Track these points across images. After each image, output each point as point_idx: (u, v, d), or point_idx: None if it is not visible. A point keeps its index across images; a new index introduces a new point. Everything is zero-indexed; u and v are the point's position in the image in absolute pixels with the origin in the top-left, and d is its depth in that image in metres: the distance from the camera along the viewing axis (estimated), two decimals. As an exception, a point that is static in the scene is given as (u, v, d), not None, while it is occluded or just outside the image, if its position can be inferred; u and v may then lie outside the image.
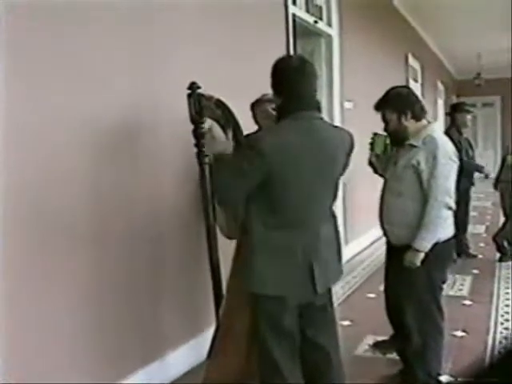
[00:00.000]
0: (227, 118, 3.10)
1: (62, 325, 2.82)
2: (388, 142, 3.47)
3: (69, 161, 2.84)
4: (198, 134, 3.18)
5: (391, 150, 3.48)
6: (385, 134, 3.47)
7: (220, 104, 3.10)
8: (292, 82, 2.52)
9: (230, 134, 3.03)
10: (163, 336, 3.54)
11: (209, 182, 3.21)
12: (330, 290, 2.79)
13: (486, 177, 6.89)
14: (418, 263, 3.14)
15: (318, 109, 2.61)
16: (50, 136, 2.73)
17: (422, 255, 3.14)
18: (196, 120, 3.15)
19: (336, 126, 2.83)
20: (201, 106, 3.11)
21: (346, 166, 2.72)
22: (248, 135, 3.07)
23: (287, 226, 2.51)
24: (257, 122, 3.44)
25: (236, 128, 3.10)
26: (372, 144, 3.55)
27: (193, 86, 3.12)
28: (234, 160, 2.67)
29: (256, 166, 2.40)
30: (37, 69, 2.65)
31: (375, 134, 3.54)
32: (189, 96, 3.12)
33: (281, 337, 2.60)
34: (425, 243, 3.13)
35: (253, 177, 2.43)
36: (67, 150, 2.82)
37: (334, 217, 2.75)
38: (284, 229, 2.50)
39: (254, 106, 3.45)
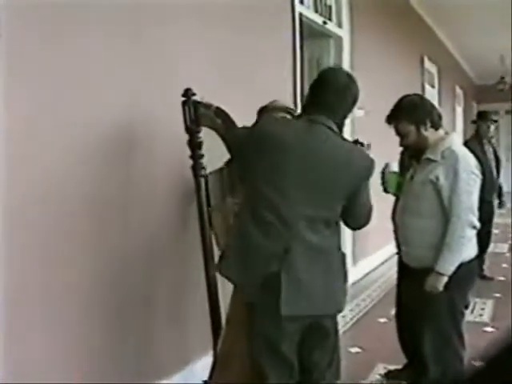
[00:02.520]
0: (228, 128, 3.12)
1: (55, 345, 2.86)
2: (400, 179, 3.51)
3: (61, 173, 2.86)
4: (194, 145, 3.19)
5: (409, 166, 3.50)
6: (396, 170, 3.53)
7: (220, 112, 3.11)
8: (317, 90, 2.69)
9: None
10: (157, 362, 3.55)
11: (204, 194, 3.23)
12: (335, 316, 2.81)
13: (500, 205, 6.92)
14: (441, 288, 3.14)
15: (339, 124, 2.68)
16: (41, 148, 2.76)
17: (445, 279, 3.13)
18: (191, 129, 3.15)
19: (352, 145, 2.85)
20: (197, 114, 3.12)
21: (351, 190, 2.66)
22: None
23: (265, 222, 2.54)
24: None
25: None
26: (383, 178, 3.60)
27: (188, 93, 3.11)
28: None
29: (250, 147, 2.61)
30: (29, 72, 2.69)
31: (387, 165, 3.58)
32: (183, 103, 3.13)
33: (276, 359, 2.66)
34: (448, 266, 3.13)
35: (237, 158, 2.74)
36: (58, 158, 2.85)
37: (337, 234, 2.72)
38: (264, 225, 2.54)
39: (261, 112, 3.44)
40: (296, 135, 2.57)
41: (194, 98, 3.14)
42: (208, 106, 3.13)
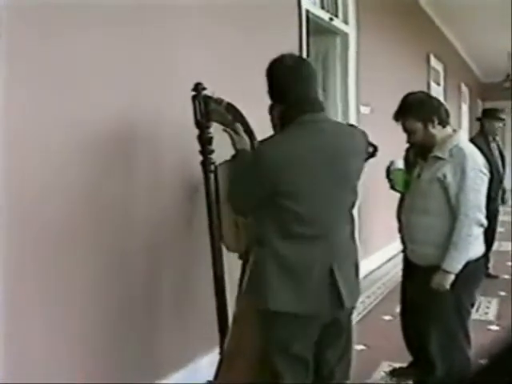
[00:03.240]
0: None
1: (56, 343, 2.86)
2: (407, 177, 3.50)
3: (62, 170, 2.86)
4: (204, 140, 3.16)
5: (415, 163, 3.49)
6: (401, 167, 3.52)
7: (231, 108, 3.07)
8: (290, 85, 2.55)
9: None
10: (161, 359, 3.55)
11: (214, 191, 3.21)
12: (351, 311, 2.83)
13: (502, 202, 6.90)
14: (448, 286, 3.13)
15: (323, 110, 2.63)
16: (42, 143, 2.75)
17: (452, 277, 3.13)
18: (202, 124, 3.12)
19: (347, 124, 2.82)
20: (207, 109, 3.10)
21: (361, 168, 2.69)
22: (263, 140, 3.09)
23: (304, 239, 2.52)
24: (274, 125, 3.39)
25: (250, 135, 3.06)
26: (389, 175, 3.59)
27: (198, 87, 3.09)
28: (244, 169, 2.68)
29: (259, 179, 2.49)
30: (30, 72, 2.69)
31: (392, 162, 3.57)
32: (193, 98, 3.10)
33: (292, 360, 2.62)
34: (455, 264, 3.12)
35: (257, 189, 2.51)
36: (59, 158, 2.84)
37: (352, 223, 2.75)
38: (302, 240, 2.52)
39: (272, 108, 3.39)
40: (316, 145, 2.51)
41: (205, 92, 3.11)
42: (219, 102, 3.09)
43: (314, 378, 2.72)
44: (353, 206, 2.70)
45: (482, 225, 3.17)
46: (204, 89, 3.10)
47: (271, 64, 2.63)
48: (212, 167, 3.19)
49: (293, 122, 2.52)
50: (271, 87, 2.62)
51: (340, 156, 2.55)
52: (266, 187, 2.47)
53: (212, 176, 3.20)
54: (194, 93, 3.10)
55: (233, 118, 3.05)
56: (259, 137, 3.17)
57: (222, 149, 3.13)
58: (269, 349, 2.66)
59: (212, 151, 3.20)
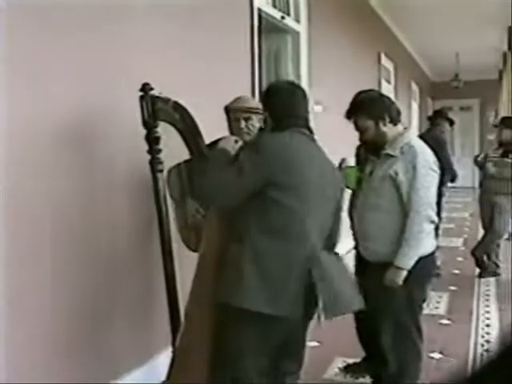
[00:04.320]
0: (186, 122, 3.12)
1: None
2: (359, 174, 3.53)
3: (16, 170, 2.81)
4: (152, 139, 3.17)
5: (366, 161, 3.52)
6: (353, 165, 3.56)
7: (178, 107, 3.12)
8: (285, 103, 2.78)
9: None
10: (117, 359, 3.51)
11: (163, 190, 3.22)
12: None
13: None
14: (401, 282, 3.16)
15: (309, 129, 2.84)
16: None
17: (404, 273, 3.16)
18: (149, 124, 3.14)
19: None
20: (154, 108, 3.11)
21: (338, 201, 2.90)
22: (213, 143, 3.10)
23: (289, 234, 2.62)
24: (230, 127, 3.39)
25: (195, 132, 3.13)
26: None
27: (145, 88, 3.11)
28: (234, 160, 2.78)
29: (258, 169, 2.58)
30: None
31: (343, 160, 3.60)
32: (141, 98, 3.11)
33: (261, 357, 2.64)
34: (407, 260, 3.16)
35: (254, 180, 2.59)
36: (11, 159, 2.79)
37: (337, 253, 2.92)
38: (285, 238, 2.61)
39: (228, 111, 3.35)
40: (310, 151, 2.75)
41: (152, 92, 3.12)
42: (166, 101, 3.13)
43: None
44: (336, 233, 2.95)
45: (432, 221, 3.22)
46: (152, 89, 3.12)
47: (267, 86, 3.07)
48: (160, 166, 3.21)
49: (287, 129, 2.72)
50: (266, 105, 2.88)
51: (327, 172, 2.79)
52: (265, 175, 2.57)
53: (160, 175, 3.21)
54: (141, 93, 3.11)
55: (180, 116, 3.09)
56: (207, 136, 3.18)
57: (170, 148, 3.15)
58: (234, 347, 2.68)
59: (160, 150, 3.21)
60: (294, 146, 2.68)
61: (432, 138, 5.88)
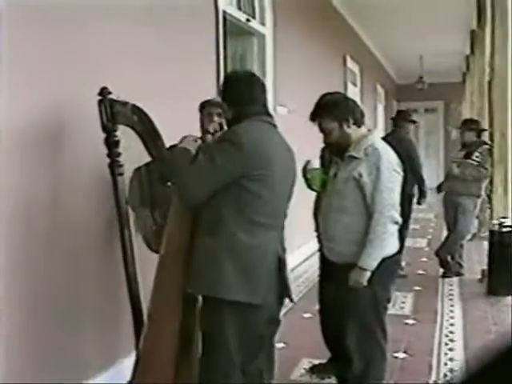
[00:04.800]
0: (145, 125, 3.15)
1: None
2: (324, 176, 3.54)
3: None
4: (111, 143, 3.17)
5: (330, 163, 3.54)
6: (317, 166, 3.59)
7: (136, 110, 3.14)
8: (244, 91, 2.82)
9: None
10: (82, 363, 3.48)
11: (123, 193, 3.23)
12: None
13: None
14: (365, 282, 3.18)
15: (269, 115, 2.92)
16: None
17: (368, 274, 3.17)
18: (108, 128, 3.14)
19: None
20: (113, 112, 3.12)
21: (293, 183, 2.97)
22: (173, 146, 3.11)
23: (262, 225, 2.71)
24: (202, 125, 3.50)
25: (155, 135, 3.16)
26: (305, 175, 3.64)
27: (103, 91, 3.11)
28: (195, 159, 2.84)
29: (234, 162, 2.64)
30: None
31: (308, 162, 3.62)
32: (100, 102, 3.12)
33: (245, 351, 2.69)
34: (371, 261, 3.17)
35: (228, 172, 2.65)
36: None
37: None
38: (259, 229, 2.70)
39: (204, 106, 3.55)
40: (276, 140, 2.85)
41: (111, 96, 3.13)
42: (124, 104, 3.14)
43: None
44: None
45: (396, 222, 3.24)
46: (110, 93, 3.12)
47: (224, 76, 3.10)
48: (120, 170, 3.21)
49: (250, 118, 2.76)
50: (224, 95, 2.89)
51: (290, 157, 2.90)
52: (241, 168, 2.63)
53: (120, 179, 3.21)
54: (99, 97, 3.11)
55: (139, 119, 3.12)
56: (171, 138, 3.17)
57: (130, 151, 3.15)
58: (213, 337, 2.73)
59: (119, 154, 3.21)
60: (265, 138, 2.75)
61: (396, 139, 5.93)
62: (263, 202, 2.69)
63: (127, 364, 3.58)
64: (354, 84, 11.93)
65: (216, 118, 3.38)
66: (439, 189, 7.27)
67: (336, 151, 3.44)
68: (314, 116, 3.38)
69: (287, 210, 2.96)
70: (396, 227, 3.28)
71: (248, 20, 6.16)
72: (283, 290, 2.82)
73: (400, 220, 3.28)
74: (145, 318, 3.24)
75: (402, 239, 3.63)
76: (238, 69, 3.09)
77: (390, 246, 3.26)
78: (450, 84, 18.18)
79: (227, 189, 2.65)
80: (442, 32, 12.04)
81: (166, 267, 3.01)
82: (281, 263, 2.80)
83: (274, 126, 2.91)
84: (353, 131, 3.30)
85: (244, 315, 2.69)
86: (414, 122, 7.06)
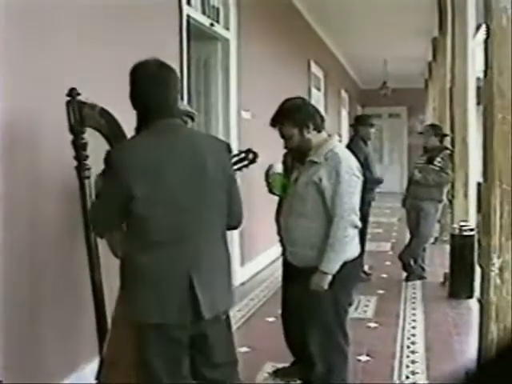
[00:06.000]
0: (112, 128, 3.13)
1: None
2: (285, 180, 3.57)
3: None
4: (79, 145, 3.15)
5: (292, 168, 3.56)
6: (280, 172, 3.60)
7: (104, 113, 3.12)
8: (149, 90, 2.54)
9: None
10: (44, 369, 3.45)
11: (89, 196, 3.19)
12: (228, 317, 2.78)
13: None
14: (326, 286, 3.20)
15: (179, 117, 2.68)
16: None
17: (329, 278, 3.20)
18: (76, 130, 3.12)
19: (207, 135, 2.87)
20: (81, 114, 3.10)
21: (229, 180, 2.68)
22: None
23: (162, 246, 2.48)
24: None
25: (122, 139, 3.12)
26: (267, 179, 3.66)
27: (72, 93, 3.09)
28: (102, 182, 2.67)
29: (116, 184, 2.43)
30: None
31: (270, 166, 3.64)
32: (68, 103, 3.09)
33: (167, 362, 2.58)
34: (332, 265, 3.19)
35: (116, 197, 2.45)
36: None
37: (224, 238, 2.70)
38: (159, 250, 2.48)
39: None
40: (171, 149, 2.51)
41: (79, 98, 3.11)
42: (93, 107, 3.13)
43: None
44: (223, 219, 2.66)
45: (356, 226, 3.28)
46: (78, 94, 3.10)
47: (133, 68, 2.60)
48: (87, 173, 3.18)
49: (149, 126, 2.51)
50: (132, 91, 2.59)
51: (197, 162, 2.54)
52: (122, 192, 2.40)
53: (87, 182, 3.19)
54: (68, 98, 3.08)
55: (106, 122, 3.08)
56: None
57: (97, 154, 3.12)
58: (143, 362, 2.61)
59: (87, 157, 3.19)
60: (151, 151, 2.46)
61: (356, 146, 6.10)
62: (155, 221, 2.45)
63: (89, 370, 3.56)
64: (318, 89, 12.01)
65: None
66: (404, 203, 7.32)
67: (297, 156, 3.47)
68: (275, 122, 3.40)
69: (224, 212, 2.66)
70: (356, 231, 3.31)
71: (212, 24, 6.17)
72: (197, 309, 2.50)
73: (359, 224, 3.31)
74: (109, 323, 3.22)
75: (362, 243, 3.67)
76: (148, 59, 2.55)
77: (351, 249, 3.29)
78: (413, 90, 18.43)
79: (124, 213, 2.47)
80: (405, 38, 12.20)
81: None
82: (192, 283, 2.49)
83: (181, 126, 2.67)
84: (313, 136, 3.33)
85: (162, 335, 2.52)
86: (371, 124, 7.08)
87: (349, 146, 5.86)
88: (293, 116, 3.34)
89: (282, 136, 3.39)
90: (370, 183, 5.73)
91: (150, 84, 2.54)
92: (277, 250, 3.58)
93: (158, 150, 2.47)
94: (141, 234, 2.47)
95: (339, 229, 3.18)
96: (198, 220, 2.55)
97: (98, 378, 3.19)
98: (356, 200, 3.27)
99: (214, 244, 2.63)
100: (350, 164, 3.29)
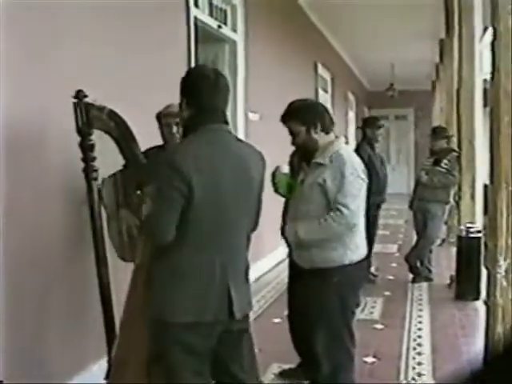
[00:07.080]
0: (121, 130, 3.11)
1: None
2: (291, 181, 3.57)
3: None
4: (86, 147, 3.15)
5: (299, 169, 3.56)
6: (286, 172, 3.61)
7: (113, 115, 3.10)
8: (206, 94, 2.57)
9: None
10: (50, 369, 3.46)
11: (97, 198, 3.21)
12: (247, 317, 2.83)
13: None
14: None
15: (226, 123, 2.67)
16: None
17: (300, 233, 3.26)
18: (83, 131, 3.12)
19: (246, 143, 2.86)
20: (89, 116, 3.10)
21: (261, 188, 2.74)
22: (149, 149, 3.10)
23: (205, 248, 2.53)
24: (162, 134, 3.42)
25: (131, 141, 3.12)
26: (274, 180, 3.66)
27: (79, 95, 3.09)
28: (155, 188, 2.61)
29: (179, 187, 2.41)
30: None
31: (277, 168, 3.65)
32: (75, 105, 3.10)
33: (191, 359, 2.61)
34: (305, 232, 3.25)
35: (180, 201, 2.43)
36: None
37: (248, 242, 2.77)
38: (202, 251, 2.52)
39: (160, 118, 3.41)
40: (223, 153, 2.55)
41: (86, 99, 3.10)
42: (101, 109, 3.11)
43: None
44: (255, 226, 2.78)
45: (353, 227, 3.26)
46: (85, 96, 3.10)
47: (191, 71, 2.74)
48: (95, 174, 3.18)
49: (198, 130, 2.54)
50: (188, 93, 2.61)
51: (243, 169, 2.60)
52: (185, 195, 2.41)
53: (95, 183, 3.19)
54: (75, 100, 3.09)
55: (115, 125, 3.06)
56: (142, 142, 3.17)
57: (105, 156, 3.13)
58: (168, 361, 2.61)
59: (94, 158, 3.19)
60: (206, 155, 2.50)
61: (363, 150, 6.14)
62: (204, 226, 2.50)
63: (95, 371, 3.57)
64: (325, 91, 12.00)
65: (175, 129, 3.26)
66: (411, 205, 7.31)
67: (304, 157, 3.47)
68: (285, 118, 3.42)
69: (254, 221, 2.77)
70: (353, 234, 3.29)
71: (219, 26, 6.18)
72: (230, 307, 2.58)
73: (361, 226, 3.32)
74: (117, 325, 3.22)
75: (370, 245, 3.66)
76: (206, 67, 2.66)
77: (358, 251, 3.29)
78: (420, 91, 18.41)
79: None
80: (412, 40, 12.18)
81: (138, 280, 2.97)
82: (228, 283, 2.57)
83: (229, 132, 2.69)
84: (320, 137, 3.33)
85: (195, 335, 2.57)
86: (379, 126, 7.04)
87: (357, 151, 5.85)
88: (302, 114, 3.35)
89: (290, 132, 3.40)
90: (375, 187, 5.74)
91: (210, 89, 2.57)
92: (283, 251, 3.58)
93: (213, 156, 2.52)
94: (185, 237, 2.49)
95: (334, 221, 3.18)
96: (237, 225, 2.64)
97: (107, 377, 3.19)
98: (359, 202, 3.26)
99: (242, 247, 2.73)
100: (355, 166, 3.29)
